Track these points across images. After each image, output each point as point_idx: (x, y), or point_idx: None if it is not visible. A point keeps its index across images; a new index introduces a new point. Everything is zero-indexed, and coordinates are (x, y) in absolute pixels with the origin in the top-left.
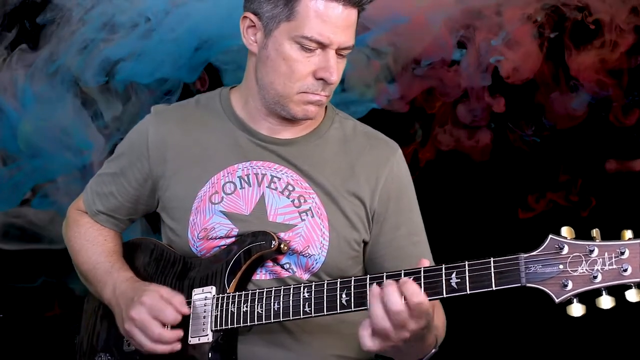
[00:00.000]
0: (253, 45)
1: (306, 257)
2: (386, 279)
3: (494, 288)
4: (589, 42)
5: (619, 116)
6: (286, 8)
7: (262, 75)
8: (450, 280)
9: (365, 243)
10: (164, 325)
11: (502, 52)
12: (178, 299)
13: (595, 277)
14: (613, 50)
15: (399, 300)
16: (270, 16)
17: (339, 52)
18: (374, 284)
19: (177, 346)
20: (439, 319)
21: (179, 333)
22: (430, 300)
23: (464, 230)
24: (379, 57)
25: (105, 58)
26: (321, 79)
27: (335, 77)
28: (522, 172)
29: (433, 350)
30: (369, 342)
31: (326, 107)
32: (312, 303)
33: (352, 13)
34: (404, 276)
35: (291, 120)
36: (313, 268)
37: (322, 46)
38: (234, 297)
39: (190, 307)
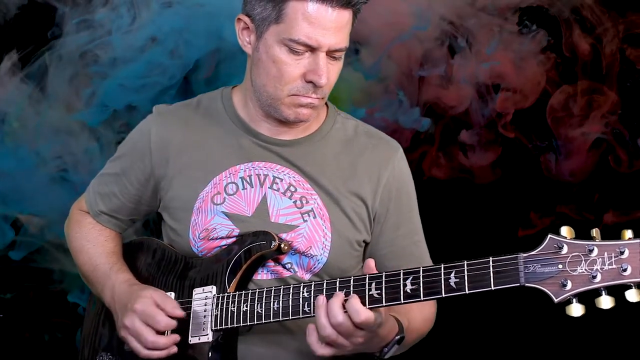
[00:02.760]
0: (247, 47)
1: (308, 257)
2: (385, 278)
3: (492, 288)
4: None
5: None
6: (275, 10)
7: (255, 77)
8: (449, 280)
9: (366, 243)
10: (158, 331)
11: (500, 74)
12: (171, 303)
13: (594, 277)
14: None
15: (339, 312)
16: (260, 18)
17: (331, 54)
18: (321, 295)
19: (173, 349)
20: (416, 321)
21: (175, 338)
22: (429, 300)
23: (463, 244)
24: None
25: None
26: (311, 81)
27: (324, 80)
28: (528, 187)
29: (397, 337)
30: (319, 349)
31: (328, 108)
32: (312, 302)
33: (344, 14)
34: (403, 275)
35: (287, 122)
36: (315, 268)
37: (311, 49)
38: (234, 296)
39: (185, 310)
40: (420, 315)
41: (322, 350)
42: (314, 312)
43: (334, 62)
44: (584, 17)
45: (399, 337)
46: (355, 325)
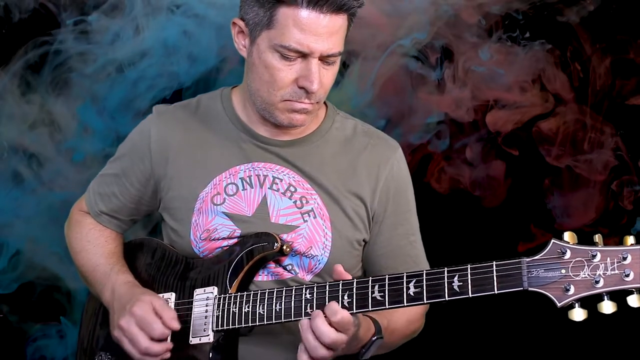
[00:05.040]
0: (243, 50)
1: (309, 257)
2: (388, 280)
3: (496, 292)
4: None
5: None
6: (266, 16)
7: (250, 81)
8: (452, 284)
9: (365, 242)
10: (152, 338)
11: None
12: (169, 313)
13: (597, 282)
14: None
15: (329, 330)
16: (253, 23)
17: (324, 59)
18: (304, 319)
19: (166, 355)
20: (398, 321)
21: (168, 345)
22: (431, 302)
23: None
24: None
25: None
26: (303, 87)
27: (315, 86)
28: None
29: (374, 338)
30: None
31: (327, 107)
32: (314, 304)
33: (336, 19)
34: (407, 278)
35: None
36: (316, 269)
37: (303, 55)
38: (235, 297)
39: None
40: (403, 316)
41: None
42: None
43: (329, 67)
44: (574, 45)
45: (375, 337)
46: (332, 326)
